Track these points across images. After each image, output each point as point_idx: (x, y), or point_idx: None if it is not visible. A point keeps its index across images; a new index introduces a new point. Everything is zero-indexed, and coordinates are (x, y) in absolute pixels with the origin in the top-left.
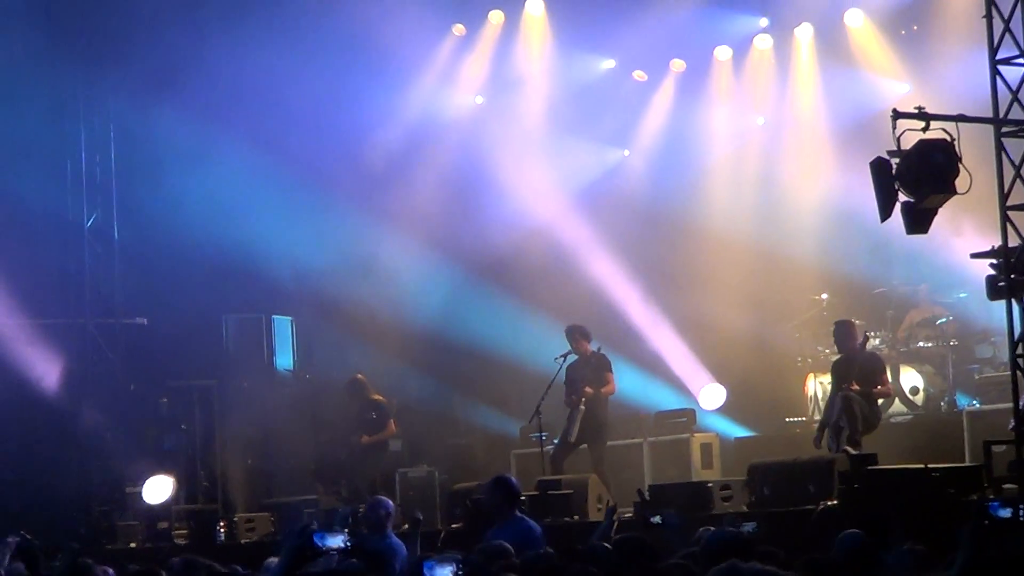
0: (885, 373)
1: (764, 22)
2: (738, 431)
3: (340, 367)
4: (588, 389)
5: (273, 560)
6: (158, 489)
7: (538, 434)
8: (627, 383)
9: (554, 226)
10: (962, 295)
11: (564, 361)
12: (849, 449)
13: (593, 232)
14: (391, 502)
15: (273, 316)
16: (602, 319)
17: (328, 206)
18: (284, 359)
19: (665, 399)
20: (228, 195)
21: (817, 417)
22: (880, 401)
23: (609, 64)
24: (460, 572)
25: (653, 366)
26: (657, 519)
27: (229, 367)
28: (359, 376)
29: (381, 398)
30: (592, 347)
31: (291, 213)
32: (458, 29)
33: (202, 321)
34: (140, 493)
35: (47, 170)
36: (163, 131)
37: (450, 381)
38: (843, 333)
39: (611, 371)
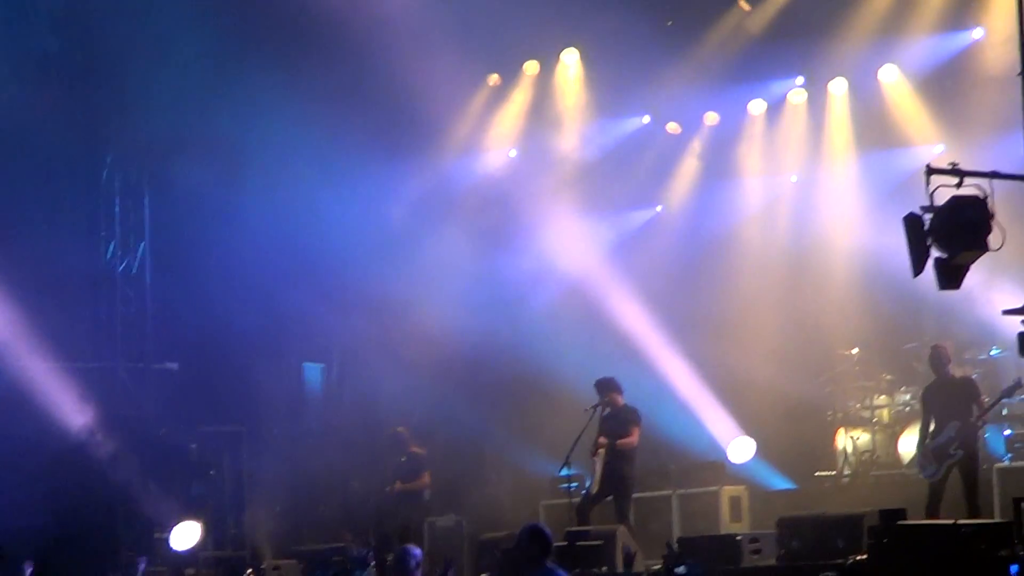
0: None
1: (800, 80)
2: (769, 484)
3: (371, 412)
4: (602, 440)
5: None
6: (186, 535)
7: (567, 485)
8: (658, 436)
9: (588, 280)
10: (994, 352)
11: (594, 412)
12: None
13: (627, 286)
14: (419, 550)
15: (304, 363)
16: (634, 372)
17: (355, 262)
18: (314, 404)
19: (695, 452)
20: (261, 240)
21: (847, 472)
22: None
23: (644, 119)
24: None
25: (684, 419)
26: (682, 569)
27: (259, 413)
28: (400, 429)
29: (420, 450)
30: (622, 399)
31: (324, 260)
32: (493, 79)
33: (233, 367)
34: (168, 539)
35: (81, 217)
36: (195, 180)
37: (480, 431)
38: (939, 357)
39: (638, 424)
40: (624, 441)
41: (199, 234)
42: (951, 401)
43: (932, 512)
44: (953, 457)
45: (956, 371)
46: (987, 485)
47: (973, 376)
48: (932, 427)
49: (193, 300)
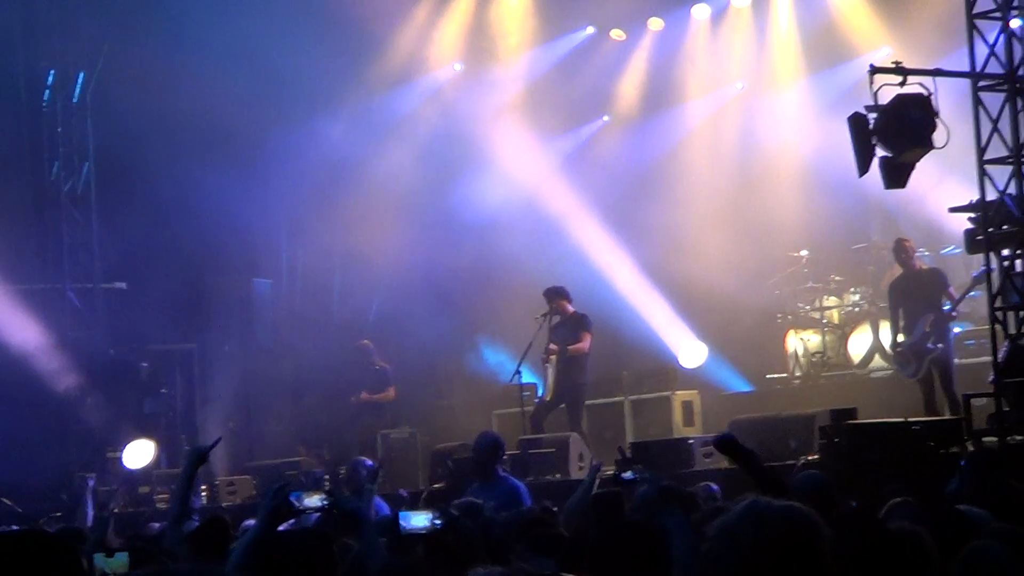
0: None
1: None
2: (723, 386)
3: (322, 328)
4: (553, 347)
5: (250, 521)
6: (139, 454)
7: (519, 393)
8: (609, 342)
9: (537, 192)
10: (945, 250)
11: (545, 320)
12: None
13: (575, 197)
14: (371, 462)
15: (252, 279)
16: (585, 281)
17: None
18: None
19: (647, 358)
20: (206, 155)
21: (798, 374)
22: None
23: (588, 31)
24: (437, 522)
25: (635, 326)
26: (628, 474)
27: (210, 331)
28: (366, 341)
29: (385, 363)
30: (571, 306)
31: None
32: None
33: (182, 285)
34: (121, 458)
35: (23, 139)
36: (139, 97)
37: (432, 343)
38: (904, 249)
39: (588, 330)
40: (575, 347)
41: (144, 153)
42: (922, 294)
43: (930, 410)
44: (931, 351)
45: (922, 264)
46: (937, 382)
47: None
48: (902, 322)
49: (140, 219)
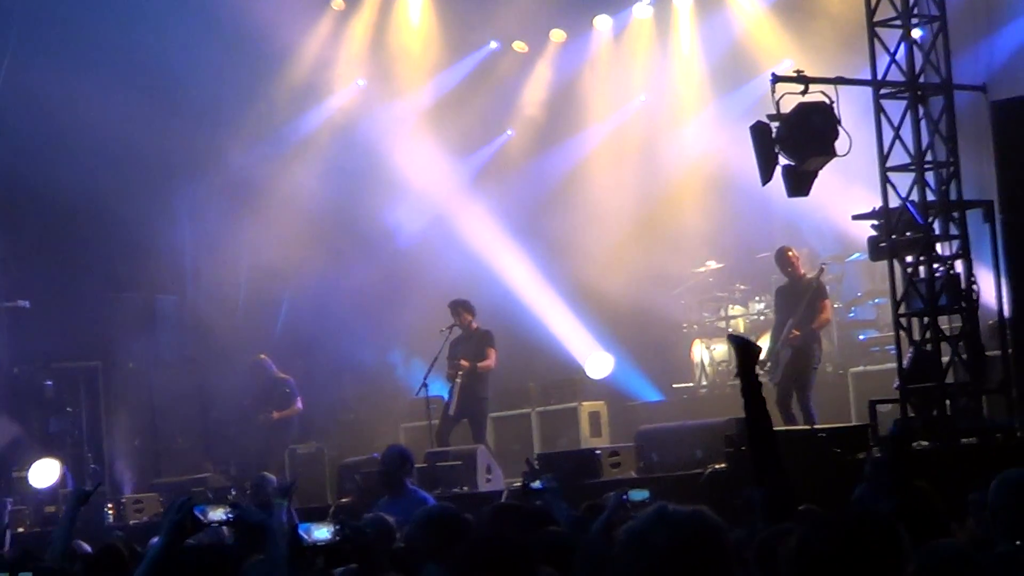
0: (827, 300)
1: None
2: (632, 396)
3: (229, 347)
4: (464, 362)
5: (156, 539)
6: (45, 473)
7: (427, 406)
8: (515, 354)
9: (446, 207)
10: (853, 256)
11: (449, 333)
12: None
13: (480, 208)
14: (275, 478)
15: (156, 295)
16: (493, 293)
17: (208, 201)
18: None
19: (554, 369)
20: (109, 172)
21: (704, 383)
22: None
23: (491, 45)
24: (339, 535)
25: (541, 337)
26: (537, 484)
27: (114, 347)
28: (262, 356)
29: (286, 375)
30: (476, 322)
31: (170, 194)
32: (336, 3)
33: (85, 302)
34: (27, 477)
35: None
36: (39, 113)
37: (339, 356)
38: (781, 259)
39: (493, 347)
40: (483, 364)
41: (44, 170)
42: (792, 301)
43: (785, 417)
44: (784, 357)
45: (808, 273)
46: (843, 388)
47: (824, 278)
48: (774, 330)
49: (41, 236)
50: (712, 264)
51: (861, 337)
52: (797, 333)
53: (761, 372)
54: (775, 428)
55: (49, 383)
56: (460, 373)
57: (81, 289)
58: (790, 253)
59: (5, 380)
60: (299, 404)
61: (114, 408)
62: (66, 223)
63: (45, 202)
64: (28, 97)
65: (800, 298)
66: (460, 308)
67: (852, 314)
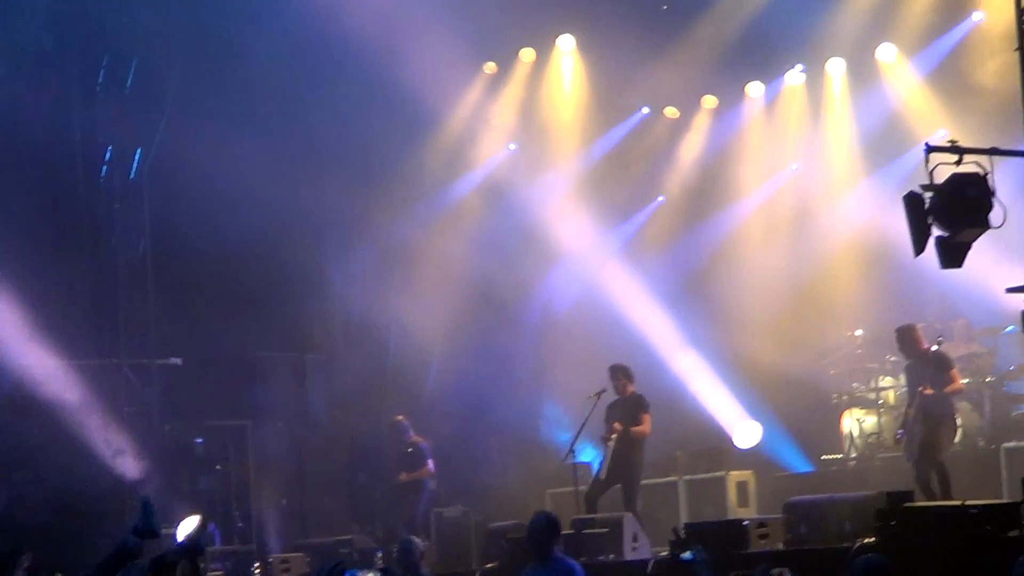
0: (953, 370)
1: (798, 67)
2: (781, 466)
3: (378, 408)
4: (617, 425)
5: None
6: (187, 526)
7: (573, 472)
8: (664, 421)
9: (594, 269)
10: (1009, 329)
11: (598, 399)
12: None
13: (633, 274)
14: (420, 541)
15: (307, 355)
16: (642, 360)
17: (361, 254)
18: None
19: (702, 437)
20: (261, 232)
21: (854, 455)
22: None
23: (643, 111)
24: None
25: (689, 404)
26: (688, 555)
27: (264, 407)
28: (399, 417)
29: (420, 438)
30: (632, 387)
31: (322, 255)
32: (489, 67)
33: (237, 361)
34: (174, 535)
35: (82, 214)
36: (196, 173)
37: (487, 419)
38: (902, 338)
39: (647, 412)
40: (638, 429)
41: (199, 230)
42: (920, 377)
43: (926, 494)
44: (918, 433)
45: (929, 346)
46: (994, 465)
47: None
48: (907, 407)
49: (195, 296)
50: (860, 332)
51: (1014, 412)
52: (930, 391)
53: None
54: (919, 504)
55: (199, 441)
56: (613, 436)
57: (232, 348)
58: (907, 330)
59: (157, 437)
60: (431, 466)
61: (263, 467)
62: (219, 282)
63: (198, 261)
64: (185, 156)
65: (922, 372)
66: (619, 373)
67: (1006, 388)
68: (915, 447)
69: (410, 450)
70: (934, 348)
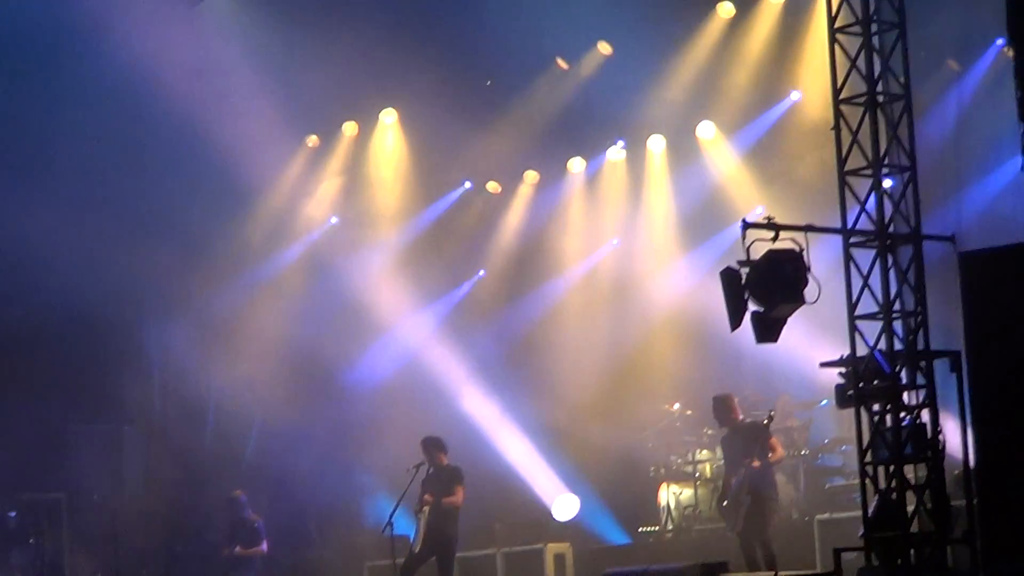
0: (773, 438)
1: (619, 144)
2: (599, 538)
3: (195, 481)
4: (428, 497)
5: None
6: None
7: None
8: (482, 494)
9: (413, 343)
10: (822, 403)
11: (416, 472)
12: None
13: (451, 349)
14: None
15: (124, 426)
16: (459, 433)
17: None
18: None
19: (520, 509)
20: (77, 301)
21: (670, 526)
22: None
23: (466, 185)
24: None
25: (508, 477)
26: None
27: (79, 480)
28: (238, 492)
29: (257, 516)
30: (446, 459)
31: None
32: (312, 140)
33: (51, 432)
34: None
35: None
36: (11, 233)
37: (305, 493)
38: (718, 407)
39: (462, 484)
40: (449, 500)
41: (11, 295)
42: (737, 447)
43: (750, 566)
44: (744, 504)
45: (743, 417)
46: (808, 536)
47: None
48: (725, 478)
49: (5, 365)
50: (677, 407)
51: (828, 484)
52: (758, 464)
53: (717, 524)
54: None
55: (12, 514)
56: (425, 508)
57: (46, 419)
58: (725, 399)
59: None
60: (264, 546)
61: (78, 539)
62: (32, 352)
63: (10, 330)
64: None
65: (742, 442)
66: (431, 446)
67: (819, 461)
68: (740, 518)
69: (256, 525)
70: (750, 420)
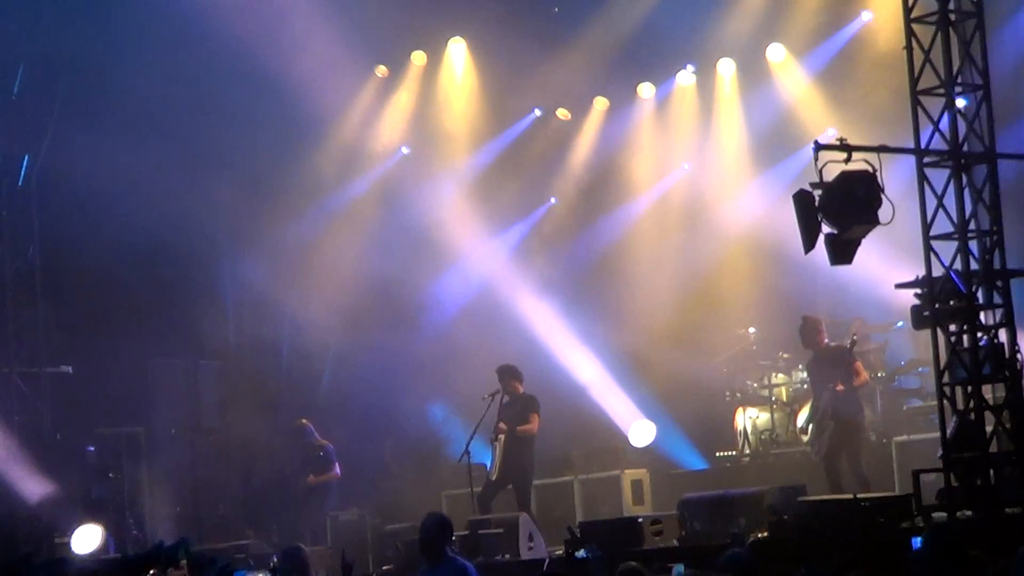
0: (858, 363)
1: (689, 68)
2: (676, 463)
3: (272, 412)
4: (502, 425)
5: None
6: (87, 539)
7: (469, 473)
8: (558, 422)
9: (486, 272)
10: (898, 325)
11: (492, 400)
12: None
13: (525, 276)
14: (304, 548)
15: (199, 361)
16: (536, 362)
17: (252, 259)
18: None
19: (596, 437)
20: (151, 239)
21: (747, 451)
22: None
23: (536, 114)
24: None
25: (584, 405)
26: (581, 553)
27: (156, 414)
28: (303, 421)
29: (325, 442)
30: (522, 388)
31: (213, 260)
32: (380, 70)
33: (128, 368)
34: (69, 543)
35: None
36: (85, 180)
37: (380, 423)
38: (805, 330)
39: (537, 412)
40: (524, 428)
41: (89, 236)
42: (823, 372)
43: (833, 488)
44: (827, 429)
45: (829, 341)
46: (887, 458)
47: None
48: (811, 402)
49: (85, 303)
50: (753, 331)
51: (905, 406)
52: (841, 388)
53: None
54: (813, 498)
55: (91, 449)
56: (500, 437)
57: (124, 355)
58: (811, 321)
59: (48, 446)
60: (336, 470)
61: (156, 474)
62: (109, 290)
63: (88, 269)
64: (72, 165)
65: (827, 366)
66: (507, 374)
67: (896, 383)
68: (824, 443)
69: (321, 454)
70: (835, 344)
